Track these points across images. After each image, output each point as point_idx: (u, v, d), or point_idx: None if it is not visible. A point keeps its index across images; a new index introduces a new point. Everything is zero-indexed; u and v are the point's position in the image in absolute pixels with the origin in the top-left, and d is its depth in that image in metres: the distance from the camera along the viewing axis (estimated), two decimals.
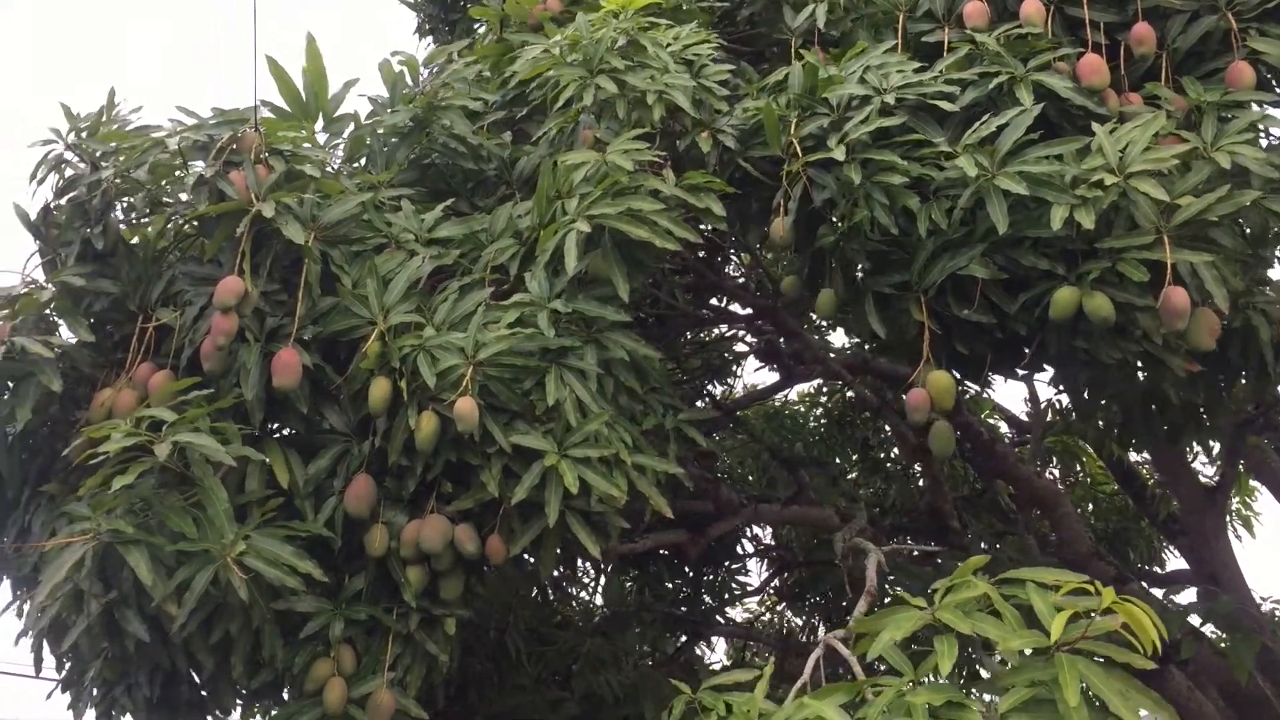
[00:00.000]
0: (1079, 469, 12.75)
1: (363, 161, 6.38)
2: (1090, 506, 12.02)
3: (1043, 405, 11.51)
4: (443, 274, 5.61)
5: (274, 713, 5.12)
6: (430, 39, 10.67)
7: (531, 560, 5.59)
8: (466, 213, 6.05)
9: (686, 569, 9.54)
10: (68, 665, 6.33)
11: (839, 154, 5.17)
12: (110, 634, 5.08)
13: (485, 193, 6.51)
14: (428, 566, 5.28)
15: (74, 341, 5.49)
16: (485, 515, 5.33)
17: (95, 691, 5.65)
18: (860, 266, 5.33)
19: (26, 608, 5.95)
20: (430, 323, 5.25)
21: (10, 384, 5.52)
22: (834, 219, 5.34)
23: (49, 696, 6.72)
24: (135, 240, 5.88)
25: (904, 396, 5.29)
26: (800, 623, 11.69)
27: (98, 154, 5.66)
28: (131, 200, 5.80)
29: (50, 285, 5.57)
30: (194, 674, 5.29)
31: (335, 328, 5.31)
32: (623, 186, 5.28)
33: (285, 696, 5.36)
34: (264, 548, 4.81)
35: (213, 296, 5.27)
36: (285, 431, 5.46)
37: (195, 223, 5.69)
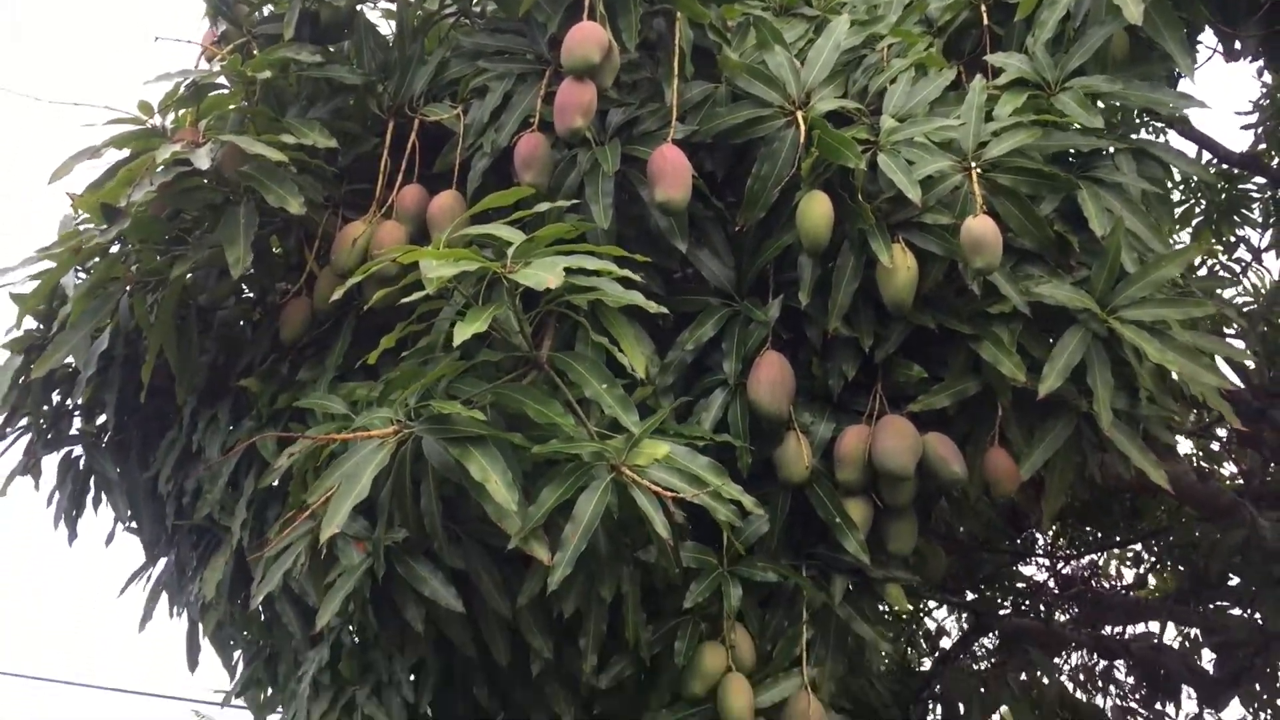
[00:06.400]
0: None
1: None
2: None
3: None
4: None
5: None
6: None
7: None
8: None
9: None
10: (244, 659, 4.41)
11: None
12: (380, 604, 3.14)
13: None
14: (873, 500, 3.35)
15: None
16: (955, 422, 3.40)
17: (310, 700, 3.70)
18: None
19: (200, 577, 4.02)
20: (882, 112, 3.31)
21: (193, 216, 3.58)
22: None
23: (224, 704, 4.80)
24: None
25: None
26: None
27: None
28: None
29: (251, 74, 3.60)
30: (492, 667, 3.32)
31: (726, 122, 3.35)
32: None
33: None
34: (679, 454, 2.85)
35: (543, 72, 3.36)
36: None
37: None
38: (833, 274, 3.23)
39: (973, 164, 3.14)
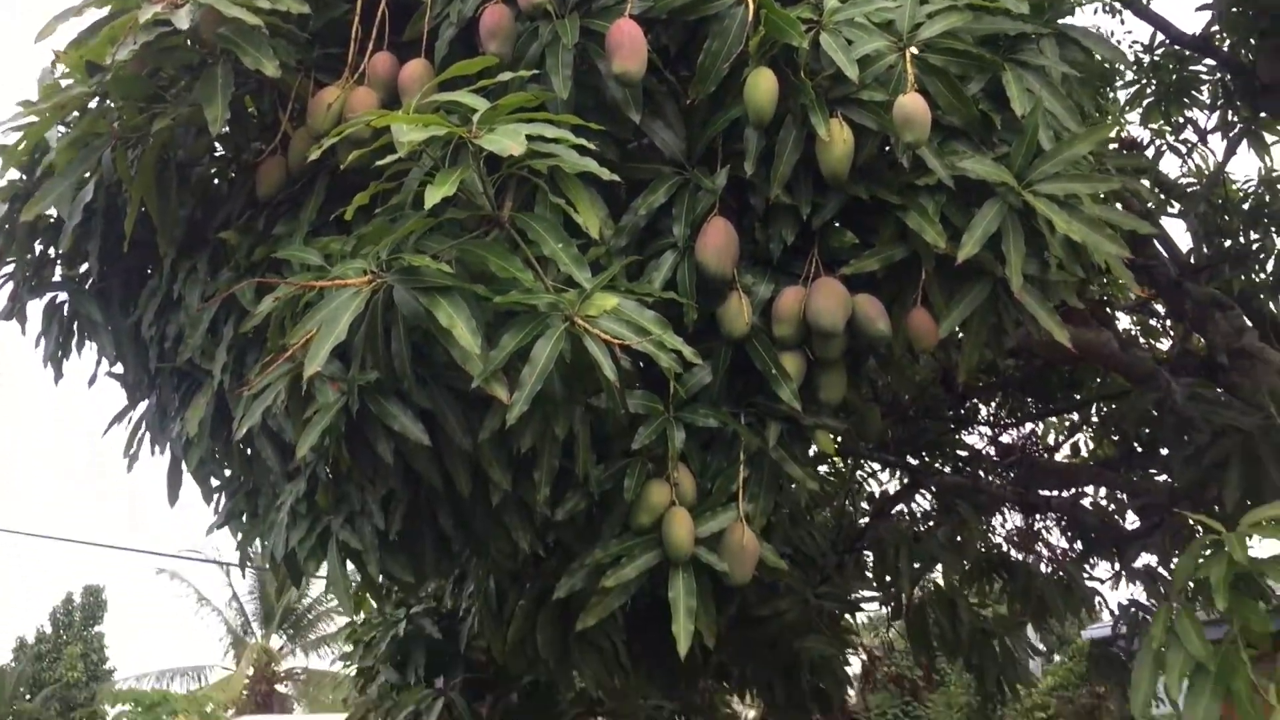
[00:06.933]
0: None
1: None
2: None
3: None
4: None
5: (595, 553, 3.54)
6: None
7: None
8: None
9: None
10: (225, 495, 4.73)
11: None
12: (353, 439, 3.45)
13: None
14: (806, 355, 3.67)
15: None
16: (883, 285, 3.71)
17: (289, 528, 4.04)
18: None
19: (182, 416, 4.31)
20: None
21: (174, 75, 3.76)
22: None
23: (209, 533, 5.14)
24: None
25: None
26: None
27: None
28: None
29: None
30: (455, 498, 3.66)
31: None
32: None
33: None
34: (627, 308, 3.15)
35: None
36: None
37: None
38: (776, 146, 3.48)
39: (907, 44, 3.37)
